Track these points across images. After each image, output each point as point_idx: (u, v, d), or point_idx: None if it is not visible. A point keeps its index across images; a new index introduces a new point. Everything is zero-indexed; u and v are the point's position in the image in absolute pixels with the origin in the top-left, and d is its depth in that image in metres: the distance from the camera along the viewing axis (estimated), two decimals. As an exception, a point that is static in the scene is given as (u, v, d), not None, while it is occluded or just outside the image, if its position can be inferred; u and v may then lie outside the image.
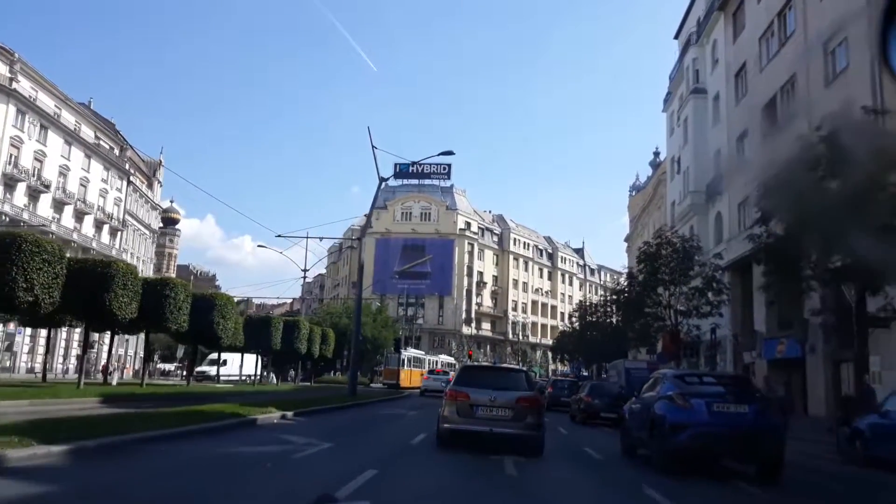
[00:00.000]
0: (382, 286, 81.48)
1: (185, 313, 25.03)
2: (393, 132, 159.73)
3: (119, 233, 62.52)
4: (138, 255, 68.35)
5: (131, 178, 64.84)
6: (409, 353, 63.12)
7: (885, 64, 2.30)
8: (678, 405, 9.14)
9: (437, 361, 57.60)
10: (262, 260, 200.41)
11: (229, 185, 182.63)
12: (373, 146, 24.22)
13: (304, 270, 40.02)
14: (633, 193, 67.76)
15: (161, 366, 64.08)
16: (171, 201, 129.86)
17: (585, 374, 49.45)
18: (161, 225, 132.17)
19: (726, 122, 32.99)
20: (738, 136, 31.04)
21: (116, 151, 63.06)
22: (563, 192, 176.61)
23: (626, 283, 27.84)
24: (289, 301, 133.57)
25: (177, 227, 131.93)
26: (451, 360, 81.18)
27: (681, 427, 8.90)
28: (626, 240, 64.61)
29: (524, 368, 17.19)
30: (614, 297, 34.45)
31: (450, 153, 24.16)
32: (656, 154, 70.79)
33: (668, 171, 44.57)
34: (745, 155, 30.53)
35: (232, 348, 33.34)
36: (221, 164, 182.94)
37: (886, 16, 2.23)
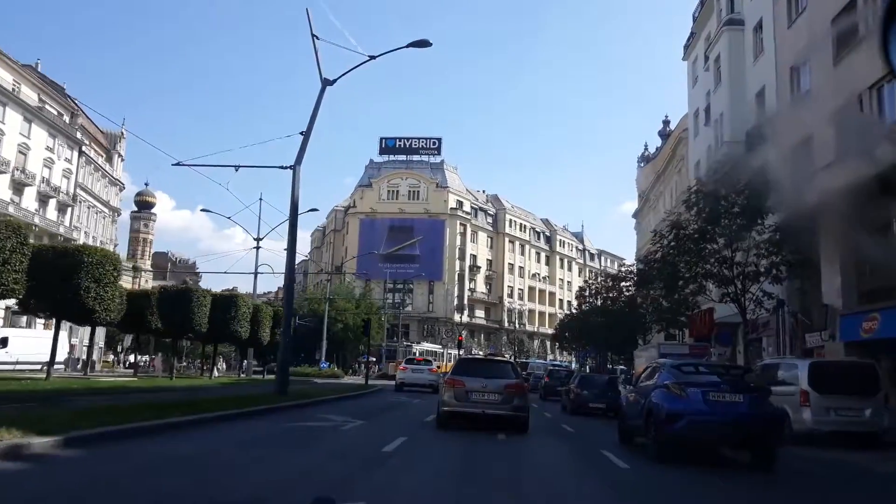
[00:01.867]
0: (367, 270, 75.28)
1: (17, 269, 17.87)
2: (381, 110, 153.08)
3: (69, 209, 55.98)
4: (94, 235, 61.82)
5: (84, 149, 58.18)
6: (423, 346, 57.47)
7: (887, 64, 2.24)
8: (674, 394, 9.25)
9: (456, 356, 51.28)
10: (253, 251, 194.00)
11: (214, 174, 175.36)
12: (313, 36, 17.37)
13: (258, 239, 33.28)
14: (643, 165, 61.47)
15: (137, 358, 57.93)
16: (147, 184, 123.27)
17: (591, 365, 43.67)
18: (135, 209, 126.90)
19: (774, 53, 26.74)
20: (792, 65, 24.81)
21: (66, 118, 56.45)
22: (561, 179, 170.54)
23: (670, 237, 20.87)
24: (273, 290, 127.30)
25: (152, 210, 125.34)
26: (479, 355, 75.52)
27: (676, 416, 8.96)
28: (635, 216, 58.41)
29: (511, 360, 19.14)
30: (639, 267, 28.04)
31: (424, 43, 17.49)
32: (666, 123, 64.71)
33: (691, 127, 38.39)
34: (802, 86, 24.36)
35: (135, 328, 26.51)
36: (204, 148, 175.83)
37: (887, 16, 2.17)
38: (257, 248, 32.10)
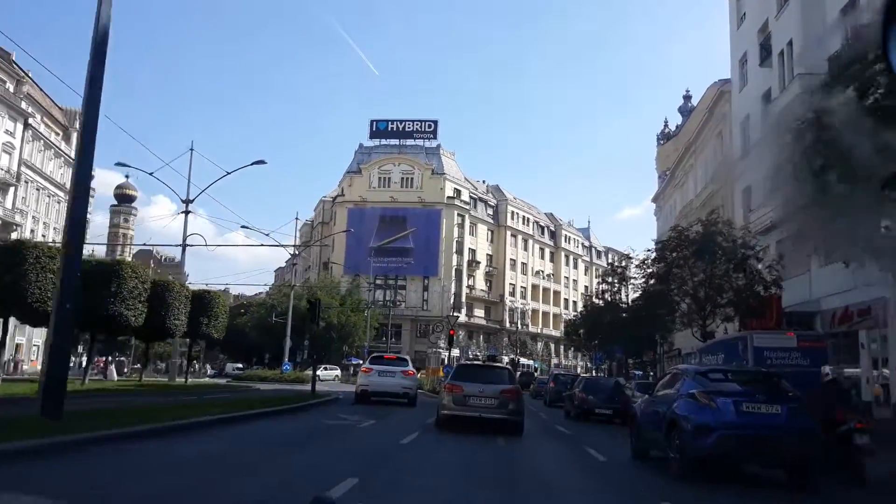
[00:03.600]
0: (356, 265, 68.48)
1: None
2: (379, 103, 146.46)
3: (13, 188, 49.24)
4: (46, 221, 55.08)
5: (32, 122, 51.48)
6: (467, 354, 50.76)
7: (887, 64, 2.22)
8: (702, 404, 8.33)
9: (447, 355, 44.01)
10: (252, 254, 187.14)
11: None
12: None
13: (187, 202, 25.61)
14: (662, 143, 54.76)
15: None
16: (127, 177, 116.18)
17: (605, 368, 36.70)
18: (114, 203, 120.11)
19: (871, -53, 19.83)
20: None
21: (10, 87, 49.81)
22: (562, 180, 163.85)
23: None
24: (263, 290, 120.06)
25: (132, 204, 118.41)
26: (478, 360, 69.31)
27: (705, 429, 8.02)
28: (655, 199, 51.61)
29: (507, 366, 21.41)
30: (697, 230, 20.78)
31: None
32: (687, 98, 58.13)
33: (735, 78, 31.68)
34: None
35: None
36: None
37: (886, 16, 2.16)
38: (186, 212, 24.92)
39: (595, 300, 35.52)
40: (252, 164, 24.78)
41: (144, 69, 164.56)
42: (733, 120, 31.67)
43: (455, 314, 31.48)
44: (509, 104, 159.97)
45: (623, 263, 31.42)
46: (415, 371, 19.67)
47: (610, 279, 32.52)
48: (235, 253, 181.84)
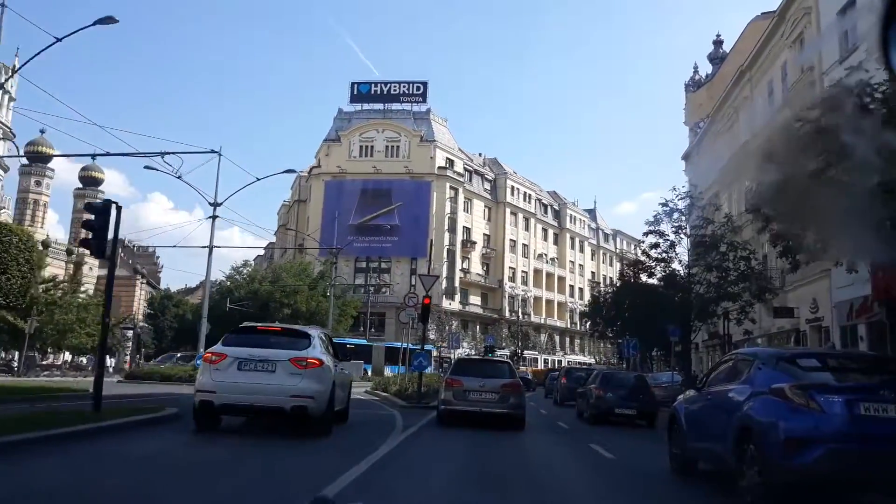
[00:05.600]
0: (333, 245, 59.74)
1: None
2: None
3: None
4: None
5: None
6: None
7: (887, 65, 2.22)
8: (795, 405, 5.51)
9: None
10: (250, 252, 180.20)
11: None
12: None
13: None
14: (693, 90, 46.18)
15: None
16: (93, 158, 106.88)
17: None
18: (79, 185, 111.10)
19: None
20: None
21: None
22: (563, 166, 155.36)
23: None
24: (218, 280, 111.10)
25: (99, 188, 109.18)
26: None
27: (805, 442, 5.31)
28: (685, 157, 43.04)
29: (508, 360, 21.73)
30: None
31: None
32: (718, 43, 49.46)
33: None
34: None
35: None
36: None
37: (886, 16, 2.15)
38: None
39: (644, 258, 26.49)
40: (97, 21, 15.94)
41: (140, 58, 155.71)
42: (822, 14, 22.97)
43: (433, 275, 22.76)
44: (507, 87, 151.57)
45: (680, 206, 22.84)
46: (323, 360, 9.45)
47: (669, 221, 23.49)
48: (230, 251, 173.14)
